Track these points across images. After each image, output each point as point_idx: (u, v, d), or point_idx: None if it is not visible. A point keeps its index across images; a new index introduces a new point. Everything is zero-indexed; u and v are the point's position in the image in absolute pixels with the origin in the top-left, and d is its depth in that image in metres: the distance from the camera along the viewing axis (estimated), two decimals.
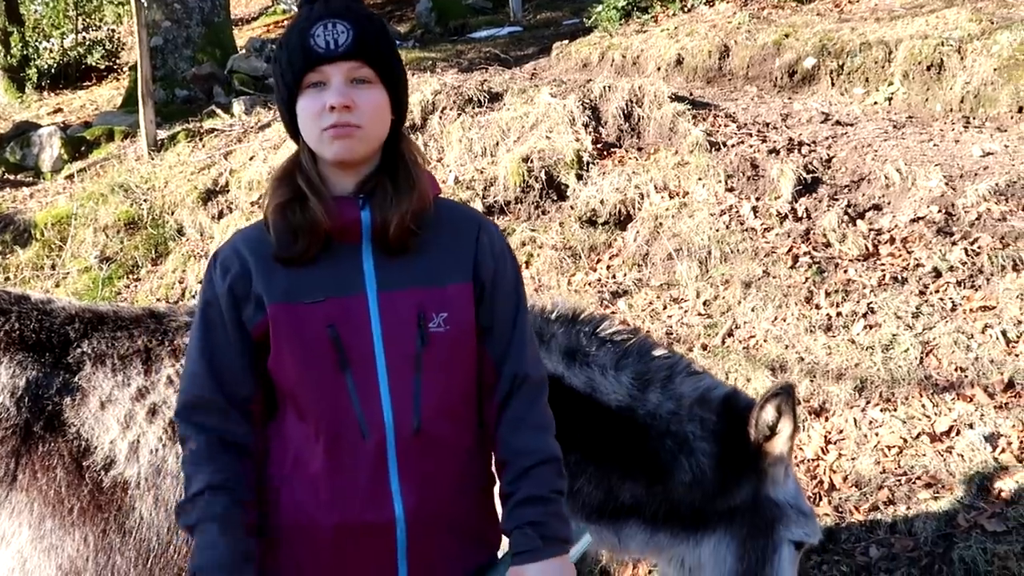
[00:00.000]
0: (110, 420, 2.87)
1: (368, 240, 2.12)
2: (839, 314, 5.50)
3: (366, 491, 2.08)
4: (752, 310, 5.75)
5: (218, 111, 10.82)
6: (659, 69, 10.20)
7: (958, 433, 4.62)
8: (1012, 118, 7.61)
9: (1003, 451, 4.45)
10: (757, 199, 6.72)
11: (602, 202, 7.14)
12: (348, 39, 2.05)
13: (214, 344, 2.15)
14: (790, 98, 8.92)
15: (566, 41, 12.19)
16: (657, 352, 3.11)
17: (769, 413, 2.85)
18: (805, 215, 6.45)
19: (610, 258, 6.80)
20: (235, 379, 2.15)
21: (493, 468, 2.28)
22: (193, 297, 7.42)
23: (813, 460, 4.70)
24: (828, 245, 6.12)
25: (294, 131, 2.18)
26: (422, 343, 2.08)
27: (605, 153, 7.67)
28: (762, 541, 2.91)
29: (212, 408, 2.14)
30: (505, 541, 2.19)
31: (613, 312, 6.07)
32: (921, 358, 5.07)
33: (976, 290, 5.45)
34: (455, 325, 2.12)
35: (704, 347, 5.54)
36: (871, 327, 5.35)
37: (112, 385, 2.93)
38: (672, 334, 5.76)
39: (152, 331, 3.07)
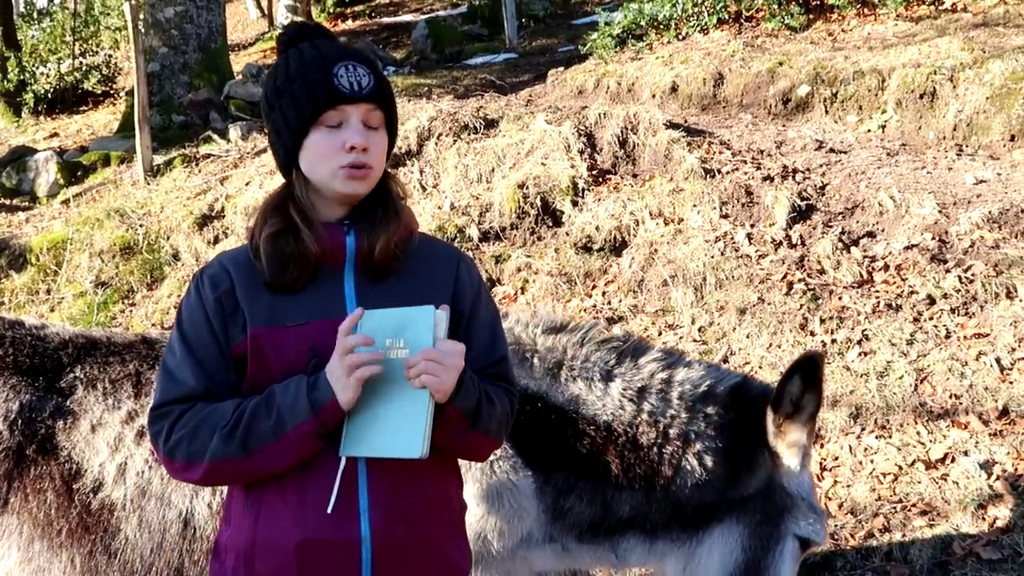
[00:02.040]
0: (100, 443, 2.89)
1: (351, 265, 2.19)
2: (834, 341, 5.51)
3: (334, 508, 2.09)
4: (747, 336, 5.76)
5: (214, 136, 10.85)
6: (654, 96, 10.25)
7: (953, 460, 4.63)
8: (1004, 146, 7.66)
9: (998, 478, 4.45)
10: (752, 226, 6.75)
11: (597, 228, 7.16)
12: (370, 83, 2.16)
13: (198, 339, 2.19)
14: (784, 125, 8.97)
15: (561, 68, 12.25)
16: (651, 355, 3.01)
17: (794, 385, 2.71)
18: (799, 242, 6.48)
19: (605, 284, 6.81)
20: (219, 368, 2.18)
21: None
22: None
23: None
24: (822, 272, 6.14)
25: (288, 161, 2.23)
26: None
27: (600, 180, 7.69)
28: (768, 530, 2.81)
29: (192, 399, 2.16)
30: None
31: None
32: (916, 385, 5.09)
33: (970, 317, 5.46)
34: None
35: None
36: (866, 354, 5.36)
37: (103, 409, 2.95)
38: None
39: (143, 356, 3.10)
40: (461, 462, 2.38)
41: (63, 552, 2.75)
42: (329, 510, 2.07)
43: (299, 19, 21.57)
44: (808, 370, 2.69)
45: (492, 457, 2.69)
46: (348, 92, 2.13)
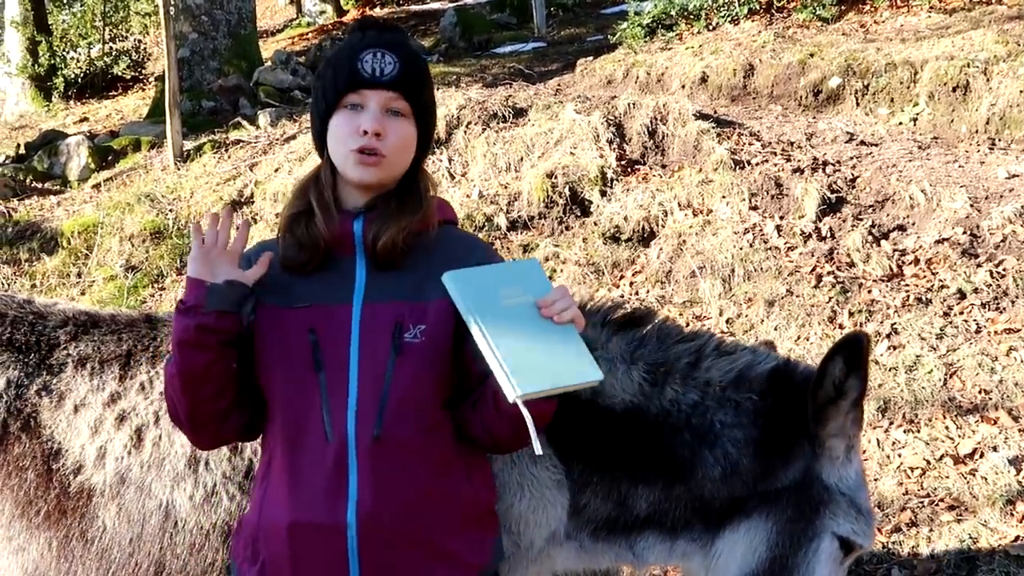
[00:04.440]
0: (82, 424, 2.83)
1: (361, 252, 2.22)
2: None
3: (323, 492, 2.11)
4: (775, 329, 5.75)
5: (244, 122, 10.89)
6: (683, 87, 10.22)
7: (982, 456, 4.61)
8: None
9: None
10: (781, 218, 6.72)
11: (626, 219, 7.15)
12: (393, 71, 2.19)
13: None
14: (815, 117, 8.92)
15: (590, 57, 12.22)
16: (680, 336, 2.75)
17: (837, 367, 2.47)
18: (829, 235, 6.45)
19: (633, 275, 6.81)
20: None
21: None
22: None
23: None
24: (852, 265, 6.12)
25: (321, 144, 2.29)
26: (395, 352, 2.14)
27: (629, 170, 7.68)
28: (800, 526, 2.55)
29: None
30: None
31: None
32: (945, 380, 5.06)
33: (1001, 312, 5.44)
34: (430, 338, 2.17)
35: None
36: (895, 348, 5.34)
37: (87, 389, 2.89)
38: None
39: (141, 336, 3.01)
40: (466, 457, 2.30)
41: (40, 534, 2.68)
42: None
43: (327, 5, 21.63)
44: (852, 351, 2.46)
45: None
46: (368, 77, 2.18)
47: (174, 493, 2.61)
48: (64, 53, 16.77)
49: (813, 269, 6.11)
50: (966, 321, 5.42)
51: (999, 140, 7.79)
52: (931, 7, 10.62)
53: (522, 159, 8.06)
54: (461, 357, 2.22)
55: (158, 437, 2.62)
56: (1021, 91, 7.85)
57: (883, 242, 6.25)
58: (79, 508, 2.63)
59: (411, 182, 2.27)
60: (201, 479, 2.58)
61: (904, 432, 4.82)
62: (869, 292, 5.81)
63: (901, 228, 6.42)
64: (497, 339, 2.01)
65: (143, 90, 16.35)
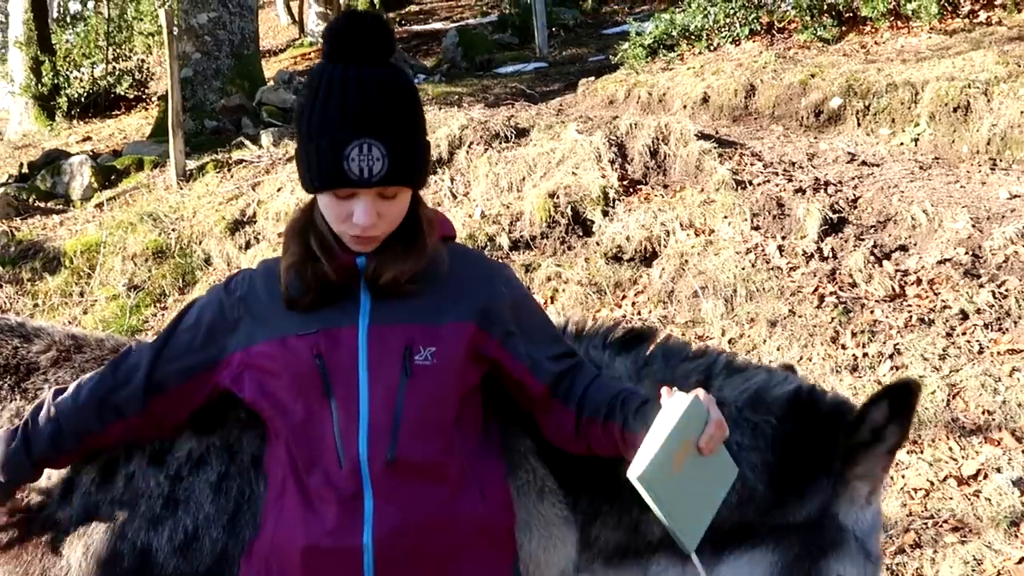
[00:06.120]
0: None
1: (364, 282, 2.17)
2: (865, 355, 5.49)
3: (337, 517, 2.08)
4: (778, 349, 5.75)
5: (246, 142, 10.91)
6: (685, 107, 10.25)
7: (985, 477, 4.60)
8: None
9: None
10: (783, 238, 6.73)
11: (628, 239, 7.16)
12: (383, 169, 2.01)
13: (178, 336, 2.27)
14: (816, 138, 8.94)
15: (592, 78, 12.26)
16: (686, 354, 2.62)
17: (879, 413, 2.35)
18: (831, 255, 6.46)
19: (635, 295, 6.81)
20: (167, 371, 2.25)
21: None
22: None
23: None
24: (854, 285, 6.12)
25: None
26: (406, 375, 2.10)
27: (631, 190, 7.70)
28: (806, 565, 2.43)
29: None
30: None
31: None
32: (948, 400, 5.06)
33: (1003, 333, 5.43)
34: (443, 360, 2.13)
35: None
36: (897, 368, 5.34)
37: None
38: None
39: None
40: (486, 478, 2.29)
41: (0, 568, 2.49)
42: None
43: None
44: (900, 398, 2.33)
45: (520, 484, 2.46)
46: (357, 180, 2.00)
47: (150, 534, 2.39)
48: (67, 73, 16.82)
49: (815, 289, 6.11)
50: (969, 342, 5.42)
51: (1000, 160, 7.81)
52: (932, 28, 10.66)
53: (524, 179, 8.08)
54: (509, 381, 2.28)
55: (131, 474, 2.43)
56: (1022, 112, 7.87)
57: (885, 262, 6.25)
58: (42, 544, 2.44)
59: (411, 222, 2.18)
60: (181, 522, 2.39)
61: (908, 453, 4.81)
62: (872, 312, 5.81)
63: (903, 248, 6.42)
64: (672, 515, 2.02)
65: (146, 110, 16.40)
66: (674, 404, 2.03)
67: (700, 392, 2.06)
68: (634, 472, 1.98)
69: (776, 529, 2.45)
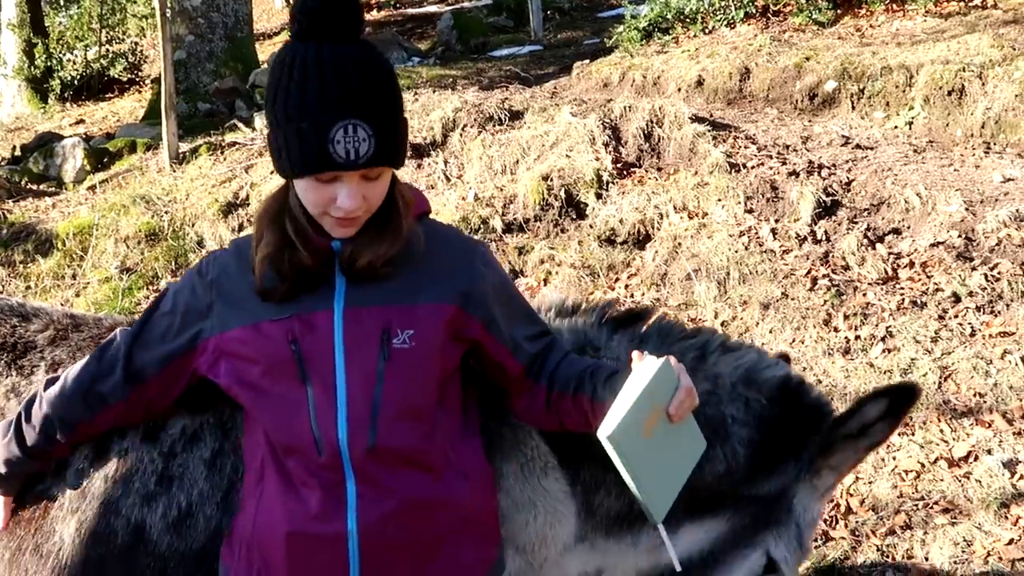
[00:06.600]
0: None
1: (339, 266, 2.11)
2: (857, 337, 5.50)
3: (321, 502, 2.06)
4: (770, 332, 5.75)
5: (239, 125, 10.87)
6: (679, 90, 10.23)
7: (976, 459, 4.61)
8: None
9: (1021, 477, 4.44)
10: (776, 221, 6.73)
11: (621, 221, 7.16)
12: (369, 150, 1.94)
13: (155, 322, 2.24)
14: (810, 121, 8.94)
15: (587, 61, 12.22)
16: (682, 333, 2.67)
17: (875, 409, 2.41)
18: (824, 238, 6.46)
19: (628, 277, 6.81)
20: (145, 359, 2.23)
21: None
22: None
23: None
24: (847, 268, 6.12)
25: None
26: (384, 358, 2.06)
27: (625, 173, 7.69)
28: (747, 533, 2.54)
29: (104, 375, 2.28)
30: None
31: None
32: (939, 383, 5.07)
33: (995, 316, 5.44)
34: (421, 342, 2.09)
35: None
36: (890, 351, 5.34)
37: None
38: None
39: None
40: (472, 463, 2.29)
41: None
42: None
43: None
44: (898, 399, 2.39)
45: (524, 461, 2.50)
46: (343, 163, 1.92)
47: (144, 511, 2.38)
48: (60, 55, 16.73)
49: (808, 272, 6.11)
50: (961, 324, 5.43)
51: (994, 144, 7.81)
52: (927, 11, 10.64)
53: (518, 162, 8.06)
54: (489, 362, 2.27)
55: (125, 450, 2.42)
56: (1016, 95, 7.86)
57: (878, 245, 6.25)
58: (35, 519, 2.43)
59: (388, 202, 2.11)
60: (175, 498, 2.38)
61: (899, 435, 4.81)
62: (864, 295, 5.81)
63: (896, 231, 6.42)
64: (641, 482, 2.02)
65: (139, 92, 16.33)
66: (644, 368, 2.05)
67: (671, 358, 2.07)
68: (604, 431, 1.98)
69: (740, 500, 2.54)
